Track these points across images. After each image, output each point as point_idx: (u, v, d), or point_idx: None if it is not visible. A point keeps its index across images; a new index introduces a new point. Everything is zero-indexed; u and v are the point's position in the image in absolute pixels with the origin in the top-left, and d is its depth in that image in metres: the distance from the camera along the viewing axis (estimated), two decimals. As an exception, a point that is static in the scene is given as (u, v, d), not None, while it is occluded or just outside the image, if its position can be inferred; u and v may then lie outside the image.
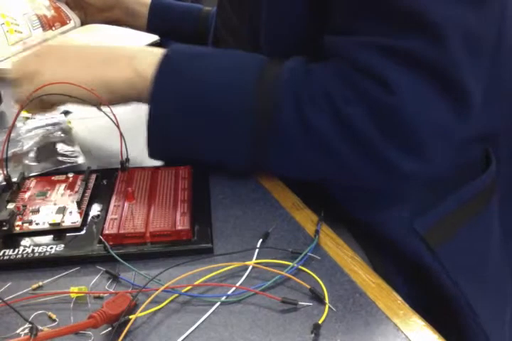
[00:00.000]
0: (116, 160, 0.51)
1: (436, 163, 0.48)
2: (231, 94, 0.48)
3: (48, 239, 0.45)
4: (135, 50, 0.53)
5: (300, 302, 0.39)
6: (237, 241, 0.46)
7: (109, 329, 0.37)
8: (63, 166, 0.56)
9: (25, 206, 0.49)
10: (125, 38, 0.87)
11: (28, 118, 0.67)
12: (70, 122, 0.66)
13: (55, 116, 0.67)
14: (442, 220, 0.55)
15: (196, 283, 0.41)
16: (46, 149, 0.59)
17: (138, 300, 0.39)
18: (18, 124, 0.64)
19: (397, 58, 0.45)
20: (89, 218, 0.48)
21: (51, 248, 0.44)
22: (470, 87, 0.45)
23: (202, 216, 0.48)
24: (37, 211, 0.48)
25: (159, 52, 0.51)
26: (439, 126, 0.46)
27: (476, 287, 0.56)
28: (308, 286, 0.40)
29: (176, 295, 0.40)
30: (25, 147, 0.59)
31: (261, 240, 0.45)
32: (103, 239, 0.44)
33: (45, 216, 0.47)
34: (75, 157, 0.58)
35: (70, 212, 0.48)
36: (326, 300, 0.39)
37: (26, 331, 0.37)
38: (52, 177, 0.53)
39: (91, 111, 0.70)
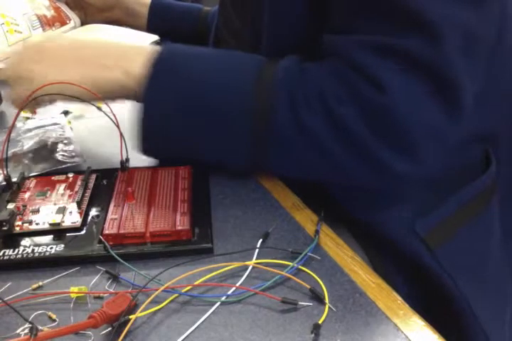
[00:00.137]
0: (116, 160, 0.51)
1: (428, 163, 0.48)
2: (230, 94, 0.48)
3: (48, 239, 0.45)
4: (124, 49, 0.53)
5: (300, 302, 0.39)
6: (237, 241, 0.46)
7: (109, 329, 0.37)
8: (63, 166, 0.56)
9: (25, 206, 0.49)
10: (125, 38, 0.87)
11: (28, 118, 0.67)
12: (70, 122, 0.66)
13: (55, 116, 0.67)
14: (443, 221, 0.55)
15: (196, 283, 0.41)
16: (46, 149, 0.59)
17: (138, 300, 0.39)
18: (18, 124, 0.64)
19: (392, 58, 0.45)
20: (89, 218, 0.48)
21: (51, 248, 0.44)
22: (464, 87, 0.45)
23: (202, 216, 0.48)
24: (37, 211, 0.48)
25: (149, 51, 0.51)
26: (430, 127, 0.46)
27: (476, 287, 0.56)
28: (308, 286, 0.40)
29: (176, 295, 0.40)
30: (25, 147, 0.59)
31: (261, 240, 0.45)
32: (103, 239, 0.44)
33: (45, 216, 0.47)
34: (75, 157, 0.58)
35: (70, 212, 0.48)
36: (326, 300, 0.39)
37: (26, 331, 0.37)
38: (52, 177, 0.53)
39: (91, 111, 0.70)
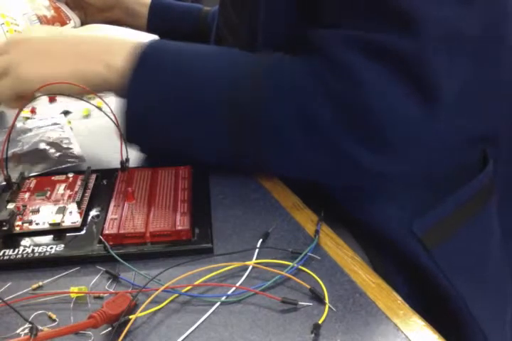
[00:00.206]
0: (116, 160, 0.51)
1: (405, 161, 0.47)
2: (209, 86, 0.49)
3: (48, 239, 0.45)
4: (107, 43, 0.54)
5: (300, 302, 0.39)
6: (237, 241, 0.46)
7: (109, 329, 0.37)
8: (63, 166, 0.56)
9: (25, 206, 0.49)
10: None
11: (28, 118, 0.67)
12: (70, 122, 0.66)
13: (55, 116, 0.67)
14: (440, 221, 0.55)
15: (196, 283, 0.41)
16: (46, 149, 0.59)
17: (138, 300, 0.39)
18: (18, 124, 0.64)
19: (369, 53, 0.44)
20: (89, 218, 0.48)
21: (51, 248, 0.44)
22: (442, 85, 0.45)
23: (202, 216, 0.48)
24: (37, 211, 0.48)
25: (132, 45, 0.51)
26: (406, 124, 0.45)
27: (474, 287, 0.55)
28: (308, 286, 0.40)
29: (176, 295, 0.40)
30: (25, 147, 0.59)
31: (261, 240, 0.45)
32: (103, 239, 0.44)
33: (45, 216, 0.47)
34: (75, 157, 0.58)
35: (70, 212, 0.48)
36: (326, 300, 0.39)
37: (26, 331, 0.37)
38: (52, 177, 0.53)
39: (91, 111, 0.70)
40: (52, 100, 0.73)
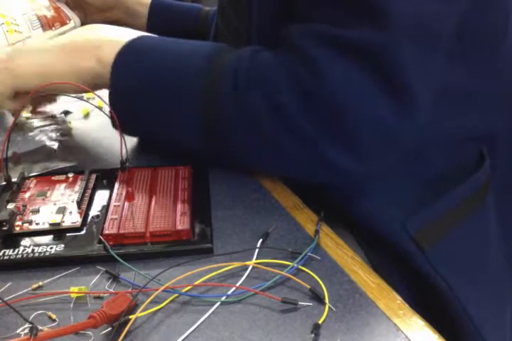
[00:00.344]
0: (116, 160, 0.51)
1: (373, 160, 0.47)
2: (183, 76, 0.50)
3: (47, 239, 0.45)
4: (99, 39, 0.55)
5: (300, 302, 0.39)
6: (237, 241, 0.46)
7: (109, 329, 0.37)
8: (63, 166, 0.56)
9: (25, 206, 0.49)
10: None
11: (28, 118, 0.67)
12: (70, 122, 0.66)
13: (55, 116, 0.67)
14: (437, 220, 0.55)
15: (196, 283, 0.41)
16: (46, 149, 0.59)
17: (138, 300, 0.39)
18: (19, 124, 0.64)
19: (339, 48, 0.44)
20: (89, 218, 0.48)
21: (51, 248, 0.44)
22: (414, 83, 0.44)
23: (202, 216, 0.48)
24: (37, 211, 0.48)
25: (122, 41, 0.53)
26: (374, 121, 0.45)
27: (472, 288, 0.55)
28: (308, 286, 0.40)
29: (176, 295, 0.40)
30: (26, 147, 0.59)
31: (261, 240, 0.45)
32: (103, 239, 0.44)
33: (45, 216, 0.47)
34: (75, 157, 0.58)
35: (70, 212, 0.48)
36: (326, 300, 0.39)
37: (26, 331, 0.37)
38: (52, 177, 0.53)
39: (91, 111, 0.70)
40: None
